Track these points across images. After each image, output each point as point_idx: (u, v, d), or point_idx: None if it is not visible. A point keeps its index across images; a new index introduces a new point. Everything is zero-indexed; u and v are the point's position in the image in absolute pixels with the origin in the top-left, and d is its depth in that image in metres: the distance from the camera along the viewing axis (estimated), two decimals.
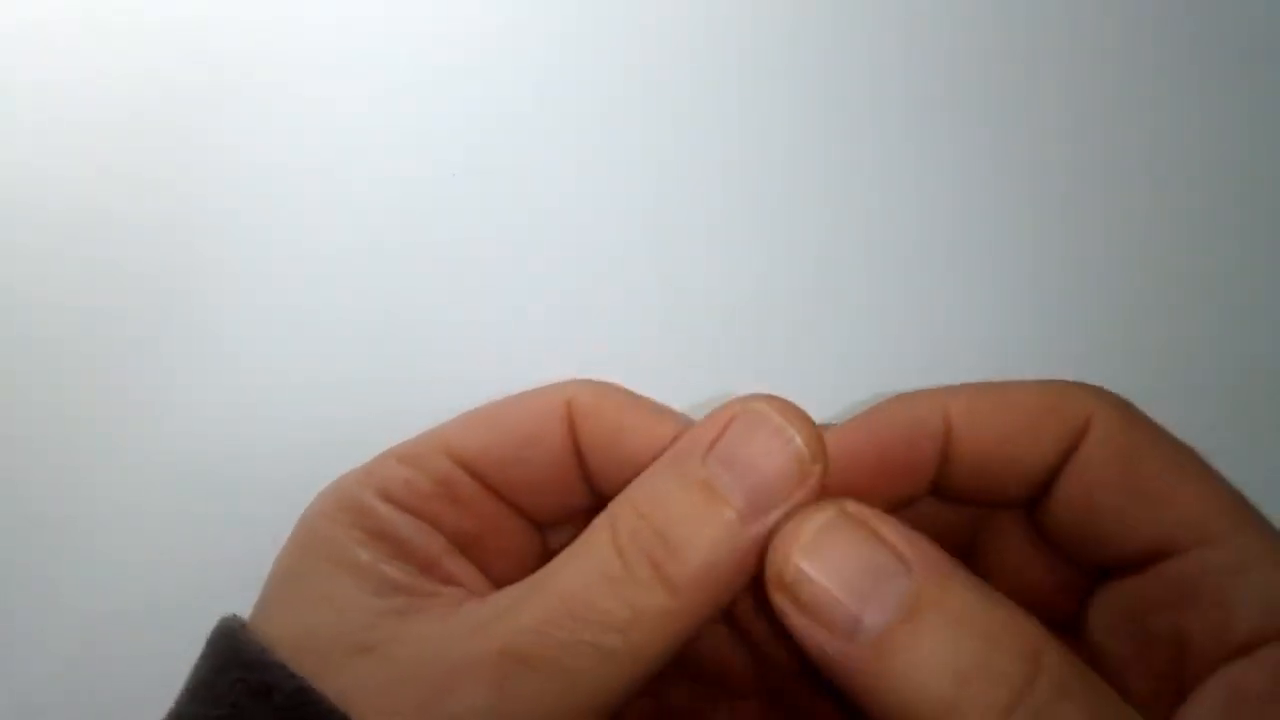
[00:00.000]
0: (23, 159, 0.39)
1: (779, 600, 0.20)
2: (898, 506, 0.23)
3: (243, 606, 0.39)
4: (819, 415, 0.23)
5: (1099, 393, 0.23)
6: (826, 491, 0.21)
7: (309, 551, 0.24)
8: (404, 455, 0.25)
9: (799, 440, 0.21)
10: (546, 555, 0.24)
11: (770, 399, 0.22)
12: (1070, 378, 0.24)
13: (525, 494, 0.25)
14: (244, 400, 0.39)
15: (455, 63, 0.41)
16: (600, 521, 0.22)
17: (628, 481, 0.22)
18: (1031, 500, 0.24)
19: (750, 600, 0.25)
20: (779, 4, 0.42)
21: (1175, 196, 0.41)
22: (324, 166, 0.40)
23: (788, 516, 0.21)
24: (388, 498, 0.24)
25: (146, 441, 0.39)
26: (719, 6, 0.42)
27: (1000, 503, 0.24)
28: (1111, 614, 0.23)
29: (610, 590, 0.21)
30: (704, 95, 0.41)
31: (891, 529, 0.20)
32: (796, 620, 0.20)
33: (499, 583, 0.24)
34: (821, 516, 0.21)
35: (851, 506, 0.21)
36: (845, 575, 0.20)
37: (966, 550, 0.26)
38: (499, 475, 0.25)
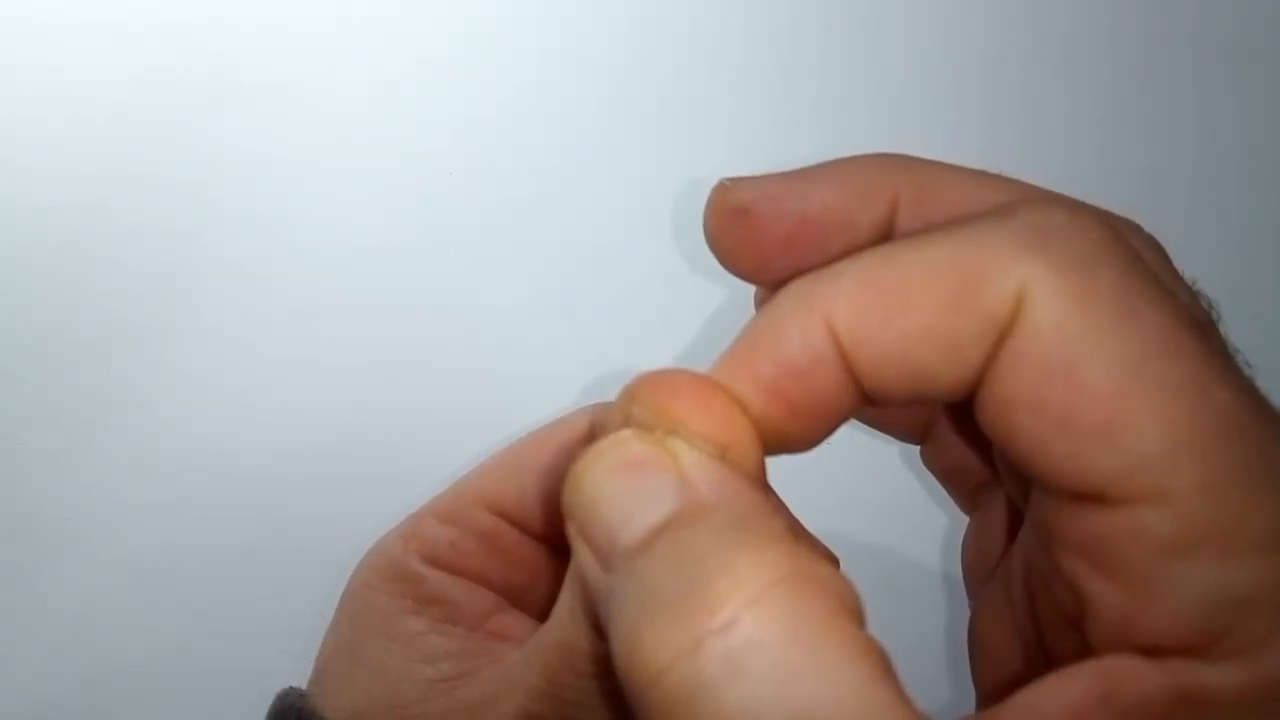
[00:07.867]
0: (24, 158, 0.39)
1: (569, 530, 0.18)
2: (834, 424, 0.19)
3: (241, 605, 0.39)
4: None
5: (1042, 245, 0.17)
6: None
7: (360, 624, 0.24)
8: (444, 514, 0.25)
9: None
10: None
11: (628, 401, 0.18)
12: None
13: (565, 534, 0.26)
14: (244, 399, 0.39)
15: (454, 62, 0.41)
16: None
17: None
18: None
19: None
20: (778, 4, 0.42)
21: (1176, 196, 0.41)
22: (323, 166, 0.40)
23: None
24: (434, 562, 0.25)
25: (147, 441, 0.39)
26: (719, 5, 0.42)
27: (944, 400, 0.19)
28: (1034, 530, 0.19)
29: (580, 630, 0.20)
30: (704, 94, 0.41)
31: (693, 458, 0.16)
32: (577, 548, 0.17)
33: None
34: (615, 441, 0.17)
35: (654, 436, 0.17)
36: (615, 496, 0.17)
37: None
38: (538, 520, 0.25)
